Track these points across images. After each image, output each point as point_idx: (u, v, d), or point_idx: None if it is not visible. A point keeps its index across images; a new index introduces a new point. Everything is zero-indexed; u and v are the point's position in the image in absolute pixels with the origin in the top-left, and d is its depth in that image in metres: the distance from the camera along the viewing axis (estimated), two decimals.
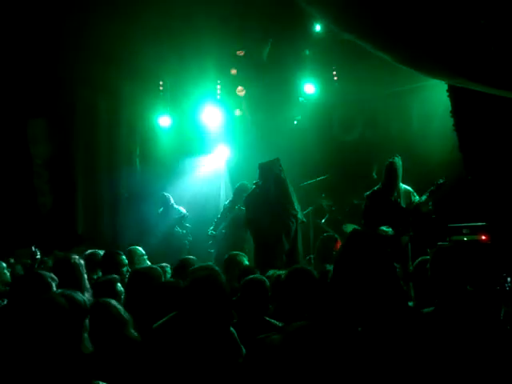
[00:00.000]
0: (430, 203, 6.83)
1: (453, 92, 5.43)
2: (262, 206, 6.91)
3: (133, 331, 2.89)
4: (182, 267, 4.46)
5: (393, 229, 6.81)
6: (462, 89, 4.78)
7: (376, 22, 3.09)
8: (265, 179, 6.96)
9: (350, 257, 2.11)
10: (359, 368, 1.88)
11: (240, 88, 9.46)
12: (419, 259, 3.96)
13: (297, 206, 7.13)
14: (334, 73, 9.35)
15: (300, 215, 7.31)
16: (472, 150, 5.39)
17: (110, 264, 4.70)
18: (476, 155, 5.39)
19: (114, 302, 3.04)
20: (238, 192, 8.47)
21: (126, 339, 2.81)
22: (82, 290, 3.56)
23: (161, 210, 9.34)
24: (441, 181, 6.96)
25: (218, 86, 9.58)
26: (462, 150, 5.47)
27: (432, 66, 3.41)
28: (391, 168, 6.99)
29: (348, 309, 2.06)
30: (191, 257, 5.15)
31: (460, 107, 5.40)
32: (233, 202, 8.51)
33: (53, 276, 3.60)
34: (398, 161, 7.05)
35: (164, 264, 5.36)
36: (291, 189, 7.15)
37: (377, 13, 3.02)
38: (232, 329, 3.13)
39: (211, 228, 8.71)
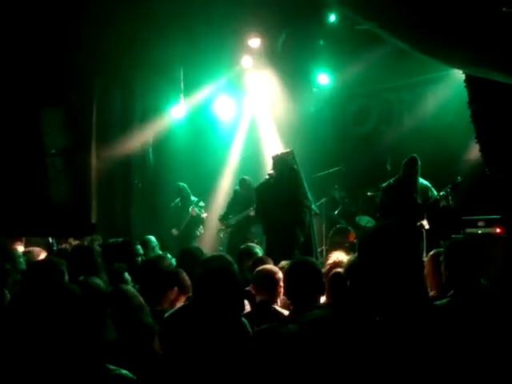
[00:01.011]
0: (451, 198, 6.81)
1: (470, 83, 5.35)
2: (275, 198, 6.89)
3: (148, 317, 2.90)
4: (184, 256, 4.44)
5: (409, 223, 6.77)
6: (479, 80, 4.72)
7: (399, 9, 3.04)
8: (278, 170, 6.94)
9: (377, 248, 2.09)
10: (376, 358, 1.87)
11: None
12: (433, 252, 3.92)
13: (310, 197, 7.10)
14: (348, 64, 9.27)
15: (314, 207, 7.29)
16: (489, 141, 5.32)
17: (125, 253, 4.73)
18: (493, 146, 5.32)
19: (130, 288, 3.07)
20: (242, 188, 8.47)
21: (143, 325, 2.83)
22: (99, 276, 3.58)
23: (177, 200, 9.34)
24: (459, 179, 6.95)
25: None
26: (479, 141, 5.40)
27: (453, 54, 3.36)
28: (412, 164, 6.96)
29: (369, 298, 2.04)
30: (195, 245, 5.14)
31: (477, 98, 5.33)
32: (238, 197, 8.51)
33: (63, 262, 3.64)
34: (418, 159, 7.02)
35: (165, 252, 5.35)
36: (304, 181, 7.12)
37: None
38: (244, 319, 3.13)
39: (221, 214, 8.71)
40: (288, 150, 7.24)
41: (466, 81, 5.50)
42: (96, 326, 2.13)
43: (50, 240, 5.72)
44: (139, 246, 4.95)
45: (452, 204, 6.96)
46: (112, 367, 2.03)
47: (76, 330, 1.94)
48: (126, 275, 3.95)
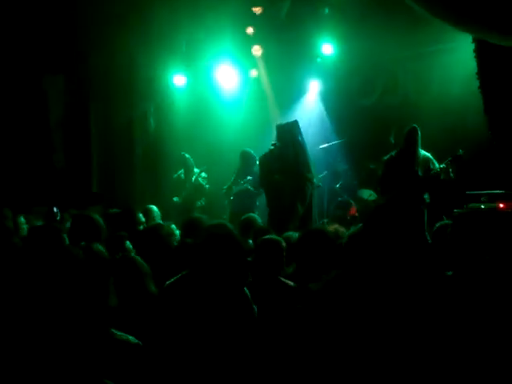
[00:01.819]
0: (451, 170, 6.72)
1: (480, 53, 5.24)
2: (279, 169, 6.84)
3: (152, 285, 2.89)
4: (191, 225, 4.40)
5: (408, 196, 6.72)
6: (488, 50, 4.61)
7: None
8: (283, 141, 6.86)
9: (379, 226, 2.07)
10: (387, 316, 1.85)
11: (256, 47, 9.26)
12: (439, 224, 3.88)
13: (313, 170, 7.05)
14: (353, 34, 9.09)
15: (316, 180, 7.24)
16: (498, 113, 5.23)
17: (127, 222, 4.70)
18: (502, 118, 5.23)
19: (135, 255, 3.05)
20: (243, 160, 8.39)
21: (147, 293, 2.82)
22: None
23: (181, 171, 9.27)
24: (460, 152, 6.86)
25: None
26: (488, 113, 5.31)
27: (470, 18, 3.25)
28: (412, 135, 6.86)
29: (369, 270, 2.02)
30: (201, 215, 5.12)
31: (486, 69, 5.22)
32: (239, 170, 8.43)
33: (63, 228, 3.62)
34: (418, 130, 6.92)
35: (168, 222, 5.33)
36: (308, 152, 7.06)
37: None
38: (246, 289, 3.10)
39: (225, 187, 8.66)
40: (293, 120, 7.14)
41: (475, 50, 5.38)
42: (99, 292, 2.11)
43: (55, 209, 5.70)
44: (141, 215, 4.93)
45: (453, 177, 6.88)
46: (117, 332, 2.03)
47: (79, 293, 1.92)
48: (128, 243, 3.92)
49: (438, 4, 3.29)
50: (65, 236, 3.44)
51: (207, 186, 9.07)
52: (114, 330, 2.01)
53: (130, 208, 5.19)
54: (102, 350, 1.94)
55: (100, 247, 2.99)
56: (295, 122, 7.08)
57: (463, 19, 3.44)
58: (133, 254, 3.14)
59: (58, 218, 5.99)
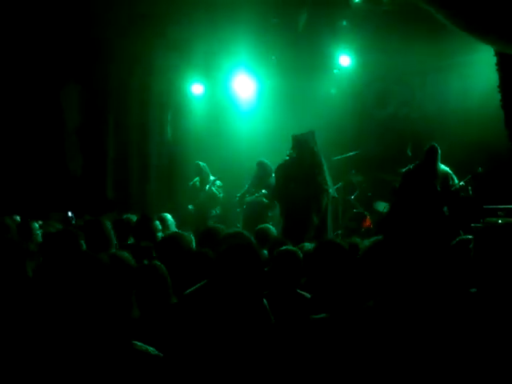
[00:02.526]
0: (470, 189, 6.69)
1: (502, 66, 5.20)
2: (295, 179, 6.82)
3: (173, 296, 2.87)
4: (207, 235, 4.37)
5: (425, 211, 6.66)
6: (511, 63, 4.56)
7: None
8: (299, 151, 6.85)
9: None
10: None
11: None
12: (458, 239, 3.82)
13: (329, 180, 7.02)
14: (371, 45, 9.08)
15: (331, 190, 7.21)
16: None
17: (144, 229, 4.69)
18: None
19: (160, 265, 3.02)
20: (259, 170, 8.37)
21: (169, 304, 2.80)
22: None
23: (196, 179, 9.28)
24: (479, 170, 6.83)
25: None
26: (509, 127, 5.26)
27: (495, 32, 3.24)
28: (432, 154, 6.83)
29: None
30: (218, 225, 5.09)
31: (508, 82, 5.18)
32: (254, 179, 8.42)
33: (81, 234, 3.61)
34: (438, 148, 6.89)
35: (186, 232, 5.32)
36: (324, 163, 7.04)
37: None
38: (264, 300, 3.08)
39: (238, 195, 8.65)
40: (310, 131, 7.13)
41: (497, 63, 5.34)
42: (123, 302, 2.09)
43: (70, 214, 5.73)
44: (157, 222, 4.92)
45: (471, 194, 6.84)
46: (138, 343, 2.00)
47: (104, 302, 1.90)
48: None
49: (462, 17, 3.27)
50: (82, 242, 3.43)
51: (221, 194, 9.06)
52: (135, 342, 1.98)
53: (146, 215, 5.18)
54: (122, 361, 1.92)
55: (127, 255, 2.96)
56: (311, 133, 7.08)
57: (487, 32, 3.42)
58: (157, 261, 3.11)
59: (74, 222, 6.01)
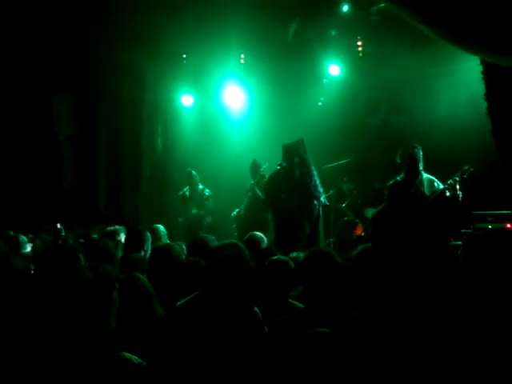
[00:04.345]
0: (458, 188, 6.72)
1: (488, 75, 5.27)
2: (286, 188, 6.86)
3: (158, 307, 2.87)
4: (196, 246, 4.39)
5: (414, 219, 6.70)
6: (497, 72, 4.64)
7: None
8: (289, 160, 6.90)
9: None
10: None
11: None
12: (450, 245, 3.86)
13: (320, 188, 7.07)
14: (360, 55, 9.18)
15: (323, 198, 7.25)
16: (506, 135, 5.26)
17: (133, 242, 4.69)
18: (509, 140, 5.25)
19: (141, 276, 3.03)
20: (252, 170, 8.45)
21: (153, 314, 2.80)
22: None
23: (186, 188, 9.29)
24: (466, 167, 6.87)
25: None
26: (495, 135, 5.33)
27: (479, 43, 3.29)
28: (411, 160, 6.93)
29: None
30: (208, 235, 5.10)
31: (494, 90, 5.26)
32: (250, 185, 8.49)
33: (81, 248, 3.61)
34: (418, 151, 6.97)
35: (179, 242, 5.33)
36: (315, 171, 7.09)
37: None
38: (257, 309, 3.10)
39: (236, 210, 8.69)
40: (299, 139, 7.19)
41: (483, 72, 5.42)
42: (105, 312, 2.11)
43: (58, 226, 5.70)
44: (148, 233, 4.92)
45: (460, 194, 6.83)
46: (122, 352, 2.02)
47: (89, 313, 1.92)
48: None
49: (444, 27, 3.33)
50: (81, 256, 3.44)
51: (210, 204, 9.06)
52: (120, 351, 2.00)
53: (137, 227, 5.18)
54: (106, 368, 1.94)
55: (110, 268, 2.97)
56: (300, 141, 7.13)
57: (469, 41, 3.48)
58: (139, 275, 3.11)
59: (63, 233, 5.97)
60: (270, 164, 7.86)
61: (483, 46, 3.39)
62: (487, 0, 2.85)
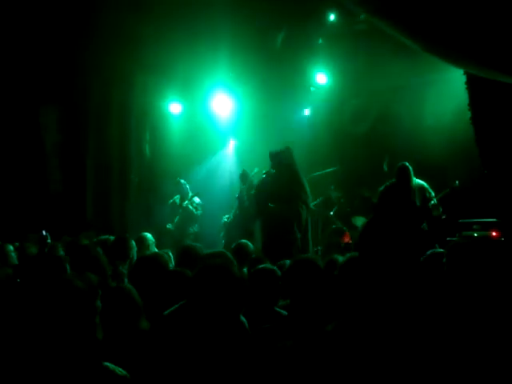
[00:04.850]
0: (440, 208, 6.87)
1: (471, 85, 5.35)
2: (274, 196, 6.87)
3: (144, 321, 2.87)
4: (184, 254, 4.38)
5: (404, 227, 6.76)
6: (480, 82, 4.70)
7: (410, 6, 3.01)
8: (277, 168, 6.93)
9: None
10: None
11: None
12: (429, 252, 3.89)
13: (309, 194, 7.10)
14: (347, 63, 9.25)
15: (311, 205, 7.30)
16: (489, 144, 5.33)
17: (119, 251, 4.67)
18: (493, 149, 5.32)
19: (130, 287, 3.02)
20: (242, 179, 8.52)
21: (138, 329, 2.79)
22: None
23: (176, 197, 9.28)
24: (457, 184, 7.00)
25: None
26: (479, 144, 5.40)
27: (462, 55, 3.34)
28: (403, 173, 7.00)
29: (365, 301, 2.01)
30: (195, 243, 5.10)
31: (478, 100, 5.33)
32: (240, 190, 8.54)
33: (67, 258, 3.59)
34: (409, 167, 7.06)
35: (166, 250, 5.33)
36: (303, 178, 7.12)
37: None
38: (243, 318, 3.10)
39: (226, 216, 8.71)
40: (285, 147, 7.21)
41: (467, 82, 5.49)
42: (90, 322, 2.10)
43: (44, 233, 5.66)
44: (133, 242, 4.90)
45: (441, 213, 7.00)
46: (107, 363, 2.02)
47: (68, 323, 1.92)
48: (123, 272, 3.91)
49: (425, 39, 3.38)
50: (67, 266, 3.42)
51: (199, 212, 9.06)
52: (104, 363, 2.00)
53: (122, 235, 5.17)
54: (90, 379, 1.93)
55: (92, 276, 2.96)
56: (287, 149, 7.15)
57: (451, 54, 3.54)
58: (128, 285, 3.11)
59: (49, 241, 5.94)
60: (260, 170, 7.89)
61: (465, 59, 3.45)
62: (468, 13, 2.90)
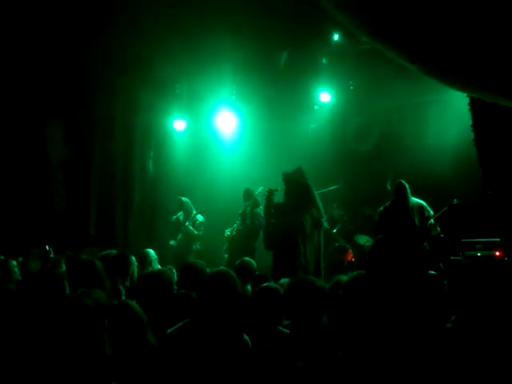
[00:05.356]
0: (438, 227, 6.89)
1: (474, 106, 5.39)
2: (288, 216, 6.88)
3: (151, 335, 2.87)
4: (187, 271, 4.38)
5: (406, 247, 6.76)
6: (483, 103, 4.74)
7: (409, 30, 3.06)
8: (292, 186, 6.94)
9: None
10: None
11: None
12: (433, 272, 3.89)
13: (323, 214, 7.10)
14: (351, 82, 9.33)
15: (325, 224, 7.33)
16: (491, 165, 5.35)
17: (120, 265, 4.68)
18: (496, 170, 5.34)
19: (134, 303, 3.03)
20: (244, 197, 8.54)
21: (146, 343, 2.80)
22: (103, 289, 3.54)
23: (180, 213, 9.32)
24: (455, 201, 7.00)
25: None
26: (482, 165, 5.43)
27: (461, 79, 3.39)
28: (400, 191, 7.03)
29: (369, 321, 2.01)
30: (198, 261, 5.11)
31: (481, 121, 5.37)
32: (244, 207, 8.56)
33: (65, 275, 3.60)
34: (405, 184, 7.09)
35: (170, 266, 5.33)
36: (317, 197, 7.14)
37: (410, 21, 3.00)
38: (246, 336, 3.10)
39: (229, 229, 8.73)
40: (298, 167, 7.24)
41: (470, 104, 5.53)
42: (95, 339, 2.11)
43: (47, 247, 5.67)
44: (134, 258, 4.91)
45: (439, 232, 7.02)
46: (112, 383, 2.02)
47: (77, 342, 1.92)
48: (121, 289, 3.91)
49: (426, 64, 3.43)
50: (66, 283, 3.43)
51: (201, 232, 9.09)
52: (113, 383, 2.00)
53: (124, 251, 5.18)
54: None
55: (100, 293, 2.98)
56: (300, 168, 7.18)
57: (451, 78, 3.58)
58: (132, 302, 3.11)
59: (52, 255, 5.95)
60: (264, 188, 7.90)
61: (466, 83, 3.49)
62: (467, 38, 2.94)
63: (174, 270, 4.94)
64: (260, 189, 8.36)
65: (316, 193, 7.13)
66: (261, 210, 7.97)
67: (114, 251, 5.48)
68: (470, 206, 7.29)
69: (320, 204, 7.05)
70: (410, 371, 1.89)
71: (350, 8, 3.20)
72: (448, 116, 8.29)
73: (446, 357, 2.30)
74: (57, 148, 9.36)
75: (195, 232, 9.03)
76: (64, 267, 5.44)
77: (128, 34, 8.18)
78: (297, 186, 6.90)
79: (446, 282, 3.13)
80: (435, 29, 3.01)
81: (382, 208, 7.28)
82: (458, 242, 6.93)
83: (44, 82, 8.75)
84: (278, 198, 7.22)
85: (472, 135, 5.79)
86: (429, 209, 7.15)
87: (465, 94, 5.93)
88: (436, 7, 2.99)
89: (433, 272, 3.73)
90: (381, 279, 2.04)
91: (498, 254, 6.41)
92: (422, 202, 7.17)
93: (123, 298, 4.13)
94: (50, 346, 1.88)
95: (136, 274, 4.86)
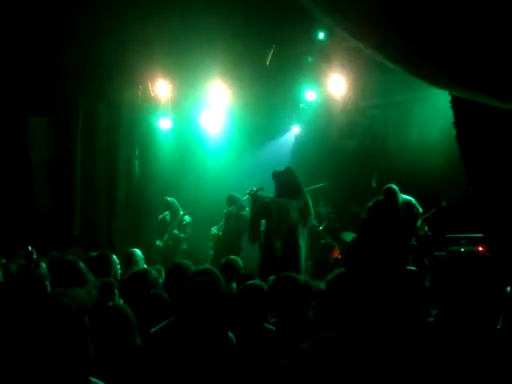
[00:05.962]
0: (426, 227, 6.97)
1: (456, 103, 5.44)
2: (282, 216, 6.92)
3: (138, 337, 2.86)
4: (174, 271, 4.38)
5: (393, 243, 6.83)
6: (465, 100, 4.79)
7: (394, 33, 3.08)
8: (282, 188, 7.01)
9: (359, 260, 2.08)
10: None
11: None
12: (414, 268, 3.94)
13: (312, 212, 7.19)
14: (336, 81, 9.35)
15: (313, 221, 7.40)
16: (474, 162, 5.41)
17: (102, 265, 4.65)
18: (478, 166, 5.40)
19: (124, 305, 3.02)
20: (228, 203, 8.62)
21: (132, 344, 2.79)
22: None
23: (166, 213, 9.30)
24: (444, 203, 7.10)
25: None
26: (464, 162, 5.48)
27: (447, 79, 3.42)
28: (391, 193, 7.10)
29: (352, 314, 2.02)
30: (185, 261, 5.10)
31: (463, 119, 5.42)
32: (229, 210, 8.62)
33: (46, 275, 3.57)
34: (396, 189, 7.15)
35: (158, 266, 5.33)
36: (308, 195, 7.23)
37: (397, 24, 3.01)
38: (231, 334, 3.11)
39: (215, 227, 8.75)
40: (287, 167, 7.30)
41: (451, 101, 5.58)
42: (77, 340, 2.09)
43: (30, 248, 5.62)
44: (115, 257, 4.90)
45: (427, 231, 7.11)
46: (94, 379, 2.01)
47: (62, 341, 1.91)
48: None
49: (411, 63, 3.45)
50: (47, 283, 3.41)
51: (187, 234, 9.10)
52: (91, 378, 2.00)
53: (107, 252, 5.15)
54: None
55: (80, 292, 2.95)
56: (289, 168, 7.26)
57: (434, 78, 3.62)
58: (122, 303, 3.10)
59: (35, 256, 5.90)
60: (247, 187, 7.90)
61: (448, 82, 3.52)
62: (451, 38, 2.97)
63: (163, 271, 4.94)
64: (246, 197, 8.41)
65: (306, 190, 7.21)
66: (247, 212, 8.01)
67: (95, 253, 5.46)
68: (455, 203, 7.36)
69: (310, 202, 7.13)
70: (392, 365, 1.90)
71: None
72: (431, 113, 8.35)
73: (428, 350, 2.32)
74: (39, 146, 9.27)
75: (181, 235, 9.06)
76: (44, 268, 5.39)
77: (112, 32, 8.14)
78: (287, 185, 6.96)
79: (428, 277, 3.16)
80: (416, 26, 3.04)
81: (371, 203, 7.33)
82: (443, 238, 7.01)
83: (25, 78, 8.65)
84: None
85: (455, 132, 5.84)
86: (417, 206, 7.21)
87: (447, 92, 5.99)
88: (417, 6, 3.01)
89: (413, 268, 3.77)
90: (359, 275, 2.05)
91: (480, 249, 6.47)
92: (410, 198, 7.24)
93: (117, 298, 4.11)
94: (26, 346, 1.86)
95: (119, 273, 4.86)
